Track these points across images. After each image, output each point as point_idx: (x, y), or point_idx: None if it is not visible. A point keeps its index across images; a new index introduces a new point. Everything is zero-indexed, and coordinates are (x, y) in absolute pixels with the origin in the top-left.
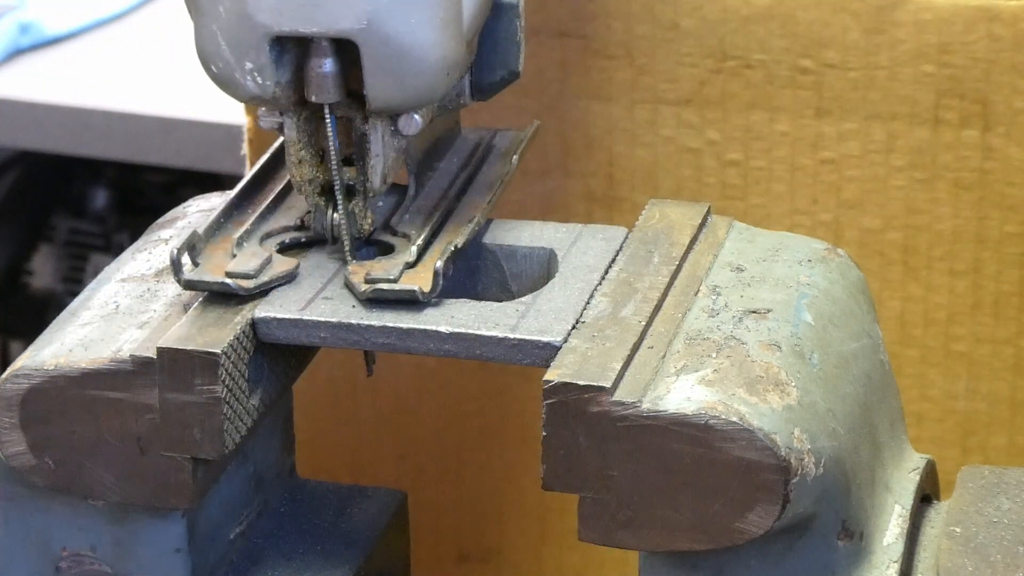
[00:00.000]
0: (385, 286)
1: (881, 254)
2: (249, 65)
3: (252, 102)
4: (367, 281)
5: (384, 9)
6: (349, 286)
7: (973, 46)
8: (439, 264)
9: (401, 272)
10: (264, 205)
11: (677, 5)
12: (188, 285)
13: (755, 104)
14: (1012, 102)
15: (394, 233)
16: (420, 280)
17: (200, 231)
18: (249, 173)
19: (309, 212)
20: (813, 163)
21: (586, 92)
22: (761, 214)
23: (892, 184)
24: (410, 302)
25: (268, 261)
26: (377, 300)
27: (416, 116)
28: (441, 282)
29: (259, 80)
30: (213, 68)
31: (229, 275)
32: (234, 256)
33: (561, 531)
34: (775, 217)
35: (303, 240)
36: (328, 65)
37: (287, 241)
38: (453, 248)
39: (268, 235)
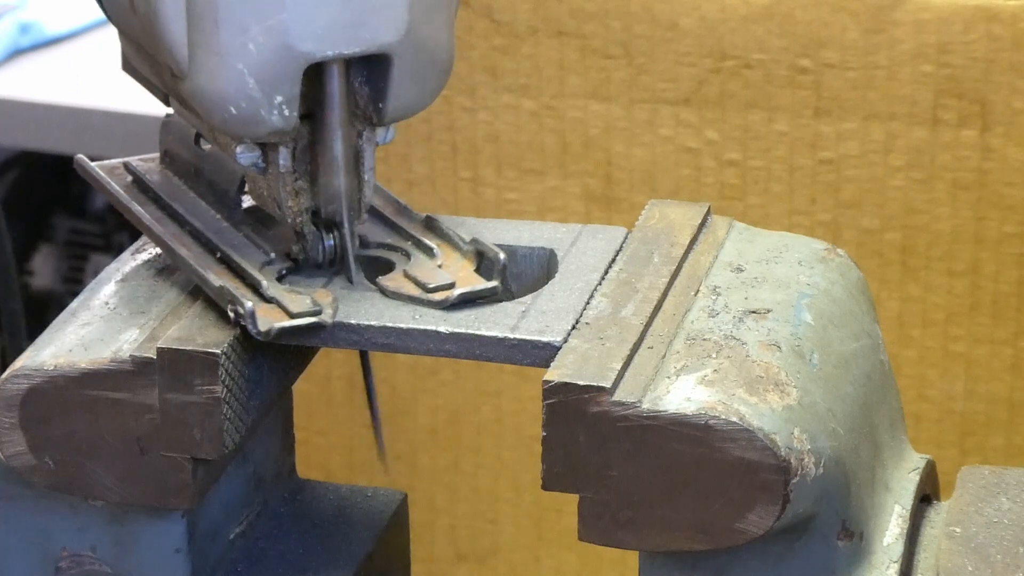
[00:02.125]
0: (463, 289)
1: (879, 254)
2: (279, 98)
3: (270, 137)
4: (429, 290)
5: (418, 16)
6: (410, 299)
7: (972, 46)
8: (503, 257)
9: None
10: (221, 248)
11: (676, 4)
12: (283, 333)
13: (754, 104)
14: (1011, 102)
15: (365, 245)
16: (463, 281)
17: (216, 284)
18: (153, 224)
19: (290, 243)
20: (812, 163)
21: (584, 91)
22: (760, 214)
23: (891, 184)
24: (491, 297)
25: (308, 296)
26: (462, 303)
27: (392, 126)
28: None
29: (286, 113)
30: (232, 110)
31: (302, 315)
32: (270, 299)
33: (558, 531)
34: (773, 217)
35: (284, 272)
36: (340, 85)
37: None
38: (489, 245)
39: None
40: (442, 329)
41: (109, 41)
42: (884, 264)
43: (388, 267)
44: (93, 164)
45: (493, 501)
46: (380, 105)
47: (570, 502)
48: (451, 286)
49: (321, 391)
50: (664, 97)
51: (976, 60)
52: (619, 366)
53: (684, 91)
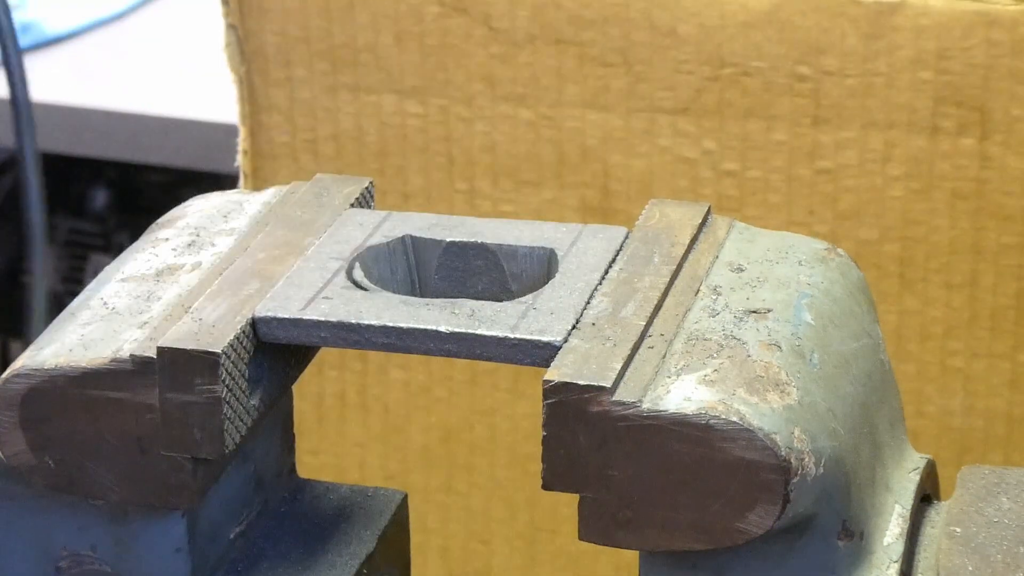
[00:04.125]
0: None
1: (877, 266)
2: None
3: None
4: None
5: None
6: None
7: (971, 52)
8: None
9: None
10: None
11: (675, 11)
12: None
13: (752, 112)
14: (1010, 109)
15: None
16: None
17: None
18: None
19: None
20: (810, 173)
21: (582, 100)
22: (757, 225)
23: (889, 194)
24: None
25: None
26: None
27: None
28: None
29: None
30: None
31: None
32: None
33: (552, 552)
34: (771, 228)
35: None
36: None
37: None
38: None
39: None
40: (442, 329)
41: (109, 41)
42: (882, 276)
43: None
44: None
45: (486, 522)
46: None
47: (564, 522)
48: None
49: (313, 409)
50: (662, 106)
51: (975, 66)
52: (619, 366)
53: (682, 100)
